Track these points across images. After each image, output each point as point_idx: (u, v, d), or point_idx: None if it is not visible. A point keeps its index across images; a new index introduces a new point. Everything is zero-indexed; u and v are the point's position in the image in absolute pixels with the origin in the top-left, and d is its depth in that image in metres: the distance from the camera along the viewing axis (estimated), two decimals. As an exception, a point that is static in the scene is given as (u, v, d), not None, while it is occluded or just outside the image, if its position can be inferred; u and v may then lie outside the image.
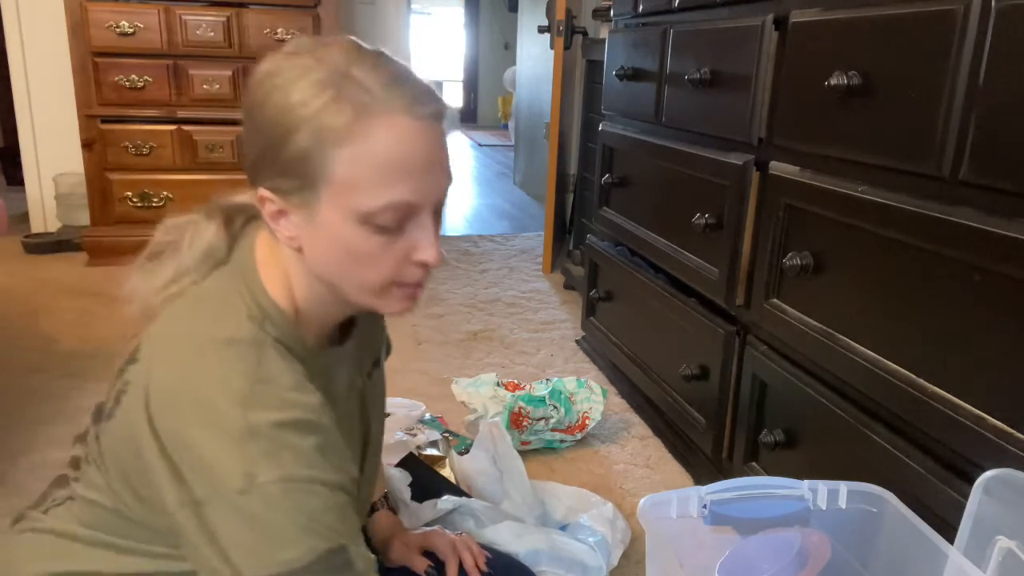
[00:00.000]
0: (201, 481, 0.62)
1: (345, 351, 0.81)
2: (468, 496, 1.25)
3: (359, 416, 0.87)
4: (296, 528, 0.62)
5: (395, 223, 0.66)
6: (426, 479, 1.26)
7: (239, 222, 0.78)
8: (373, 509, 1.06)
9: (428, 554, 1.02)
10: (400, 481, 1.20)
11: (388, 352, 1.05)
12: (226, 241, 0.76)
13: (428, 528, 1.07)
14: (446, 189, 0.70)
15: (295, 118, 0.64)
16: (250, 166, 0.70)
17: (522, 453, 1.69)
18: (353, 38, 0.70)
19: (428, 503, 1.17)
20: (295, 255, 0.71)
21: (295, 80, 0.64)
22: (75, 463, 0.78)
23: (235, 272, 0.73)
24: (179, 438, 0.63)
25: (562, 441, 1.73)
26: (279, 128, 0.65)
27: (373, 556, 0.68)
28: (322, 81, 0.64)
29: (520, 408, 1.68)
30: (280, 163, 0.66)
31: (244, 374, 0.64)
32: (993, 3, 0.84)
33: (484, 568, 1.01)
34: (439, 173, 0.68)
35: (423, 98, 0.66)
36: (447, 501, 1.18)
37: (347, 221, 0.65)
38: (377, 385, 0.94)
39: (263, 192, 0.68)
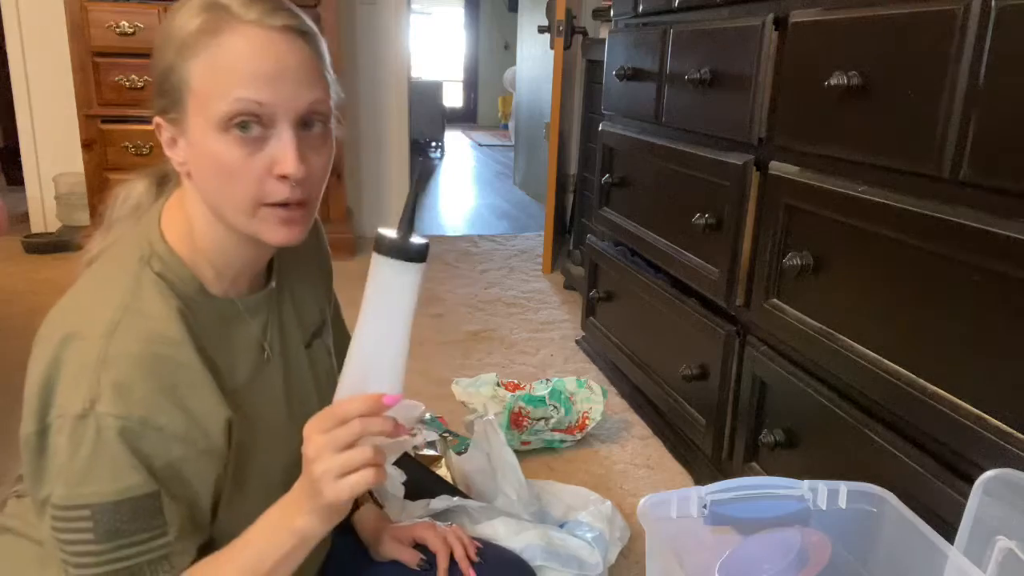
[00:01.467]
0: (54, 406, 0.64)
1: (256, 303, 0.80)
2: (464, 496, 1.24)
3: (291, 384, 0.84)
4: (115, 466, 0.63)
5: (254, 129, 0.67)
6: (421, 478, 1.25)
7: (173, 182, 0.80)
8: (357, 505, 1.04)
9: (420, 547, 1.01)
10: (395, 479, 1.20)
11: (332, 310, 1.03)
12: (154, 197, 0.79)
13: (418, 520, 1.06)
14: (306, 101, 0.69)
15: (166, 39, 0.70)
16: (152, 102, 0.73)
17: (522, 453, 1.69)
18: None
19: (420, 502, 1.17)
20: (194, 192, 0.73)
21: (176, 11, 0.70)
22: None
23: (145, 220, 0.76)
24: (48, 370, 0.65)
25: (562, 441, 1.73)
26: (157, 53, 0.71)
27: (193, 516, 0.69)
28: (195, 7, 0.69)
29: (520, 408, 1.69)
30: (157, 83, 0.71)
31: (115, 304, 0.67)
32: (993, 3, 0.84)
33: (475, 558, 1.00)
34: (294, 82, 0.68)
35: (278, 12, 0.69)
36: (441, 500, 1.17)
37: (209, 131, 0.68)
38: (320, 359, 0.91)
39: (156, 119, 0.72)
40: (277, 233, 0.71)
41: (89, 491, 0.63)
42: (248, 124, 0.67)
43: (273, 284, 0.83)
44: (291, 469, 0.76)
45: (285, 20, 0.69)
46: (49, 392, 0.65)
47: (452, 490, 1.27)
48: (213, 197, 0.71)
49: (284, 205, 0.70)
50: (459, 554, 0.99)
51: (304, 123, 0.70)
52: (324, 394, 0.89)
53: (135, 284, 0.69)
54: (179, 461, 0.67)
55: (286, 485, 0.71)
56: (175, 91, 0.69)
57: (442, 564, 0.98)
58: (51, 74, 3.20)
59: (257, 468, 0.76)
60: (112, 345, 0.64)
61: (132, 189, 0.80)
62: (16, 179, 3.82)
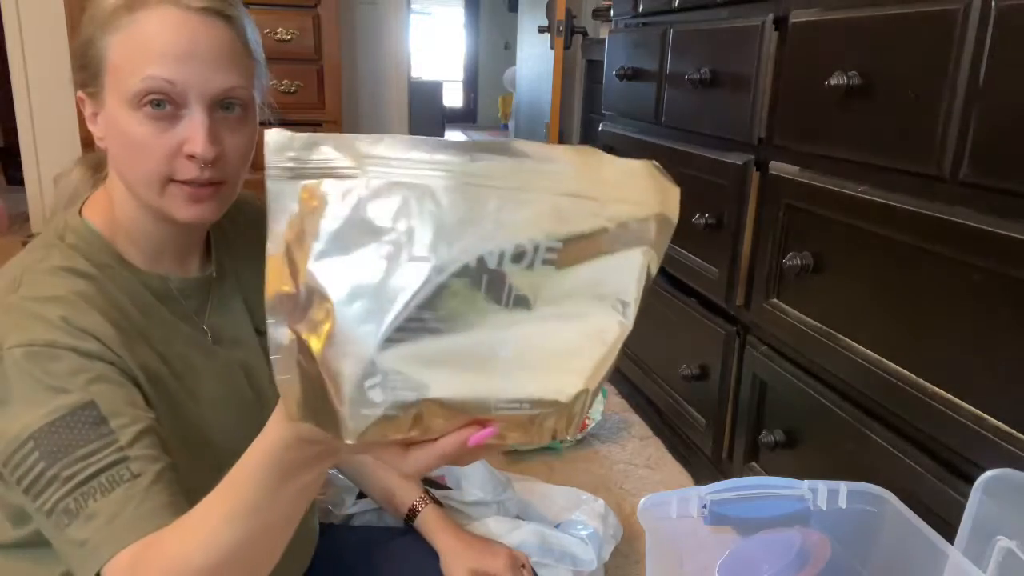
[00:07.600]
0: None
1: (191, 285, 0.80)
2: (437, 484, 1.22)
3: (250, 368, 0.83)
4: (36, 389, 0.63)
5: (166, 107, 0.69)
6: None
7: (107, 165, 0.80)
8: (413, 513, 1.03)
9: None
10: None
11: None
12: (90, 185, 0.81)
13: (483, 538, 1.03)
14: (220, 85, 0.70)
15: (89, 13, 0.72)
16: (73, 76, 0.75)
17: (522, 453, 1.69)
18: None
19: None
20: (113, 168, 0.75)
21: None
22: None
23: (73, 204, 0.79)
24: None
25: (562, 441, 1.73)
26: (81, 30, 0.73)
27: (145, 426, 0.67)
28: None
29: (520, 408, 1.68)
30: (77, 57, 0.73)
31: (20, 266, 0.71)
32: (993, 3, 0.84)
33: None
34: (209, 64, 0.70)
35: None
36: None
37: (122, 106, 0.69)
38: None
39: (79, 94, 0.74)
40: (186, 210, 0.73)
41: (23, 423, 0.63)
42: (161, 102, 0.68)
43: (212, 271, 0.83)
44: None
45: (204, 2, 0.70)
46: None
47: (428, 483, 1.24)
48: (125, 172, 0.73)
49: (192, 183, 0.71)
50: None
51: (222, 105, 0.72)
52: None
53: (45, 252, 0.72)
54: (108, 374, 0.66)
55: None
56: (93, 65, 0.71)
57: None
58: (51, 74, 3.20)
59: (217, 444, 0.75)
60: (15, 296, 0.67)
61: (67, 179, 0.83)
62: (16, 179, 3.82)
